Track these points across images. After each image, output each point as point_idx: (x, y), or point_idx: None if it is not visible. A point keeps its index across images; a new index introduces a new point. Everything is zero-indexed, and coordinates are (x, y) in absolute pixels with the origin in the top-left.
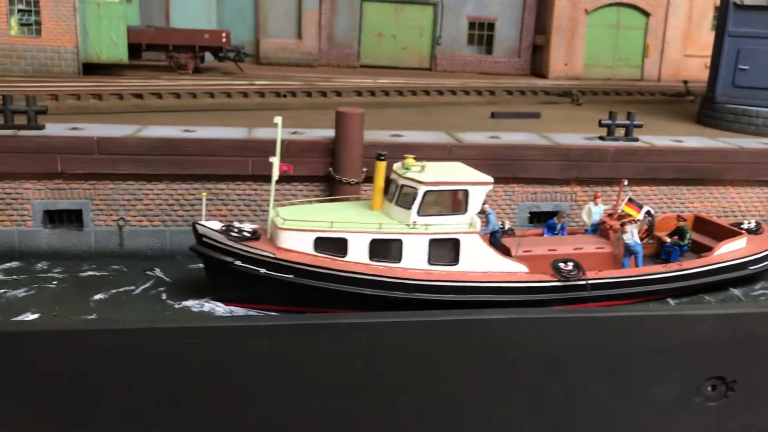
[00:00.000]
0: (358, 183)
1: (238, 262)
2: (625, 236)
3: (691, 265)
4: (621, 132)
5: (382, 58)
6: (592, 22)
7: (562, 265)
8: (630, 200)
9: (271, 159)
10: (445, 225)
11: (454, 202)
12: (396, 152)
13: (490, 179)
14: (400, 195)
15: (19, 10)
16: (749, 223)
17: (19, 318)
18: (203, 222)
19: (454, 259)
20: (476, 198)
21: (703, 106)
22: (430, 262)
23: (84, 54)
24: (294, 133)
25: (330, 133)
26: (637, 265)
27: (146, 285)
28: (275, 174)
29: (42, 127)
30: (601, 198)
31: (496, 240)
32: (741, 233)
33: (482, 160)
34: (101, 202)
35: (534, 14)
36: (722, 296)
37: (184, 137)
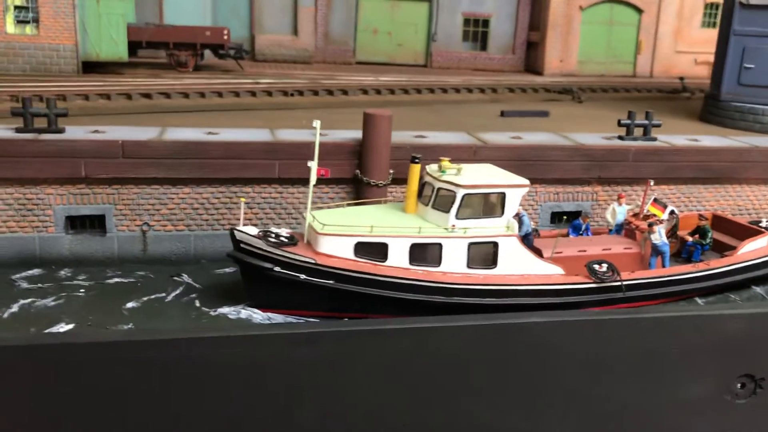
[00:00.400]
0: (386, 185)
1: (277, 268)
2: (653, 236)
3: (719, 264)
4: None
5: (377, 54)
6: (587, 18)
7: (596, 266)
8: (655, 200)
9: (310, 163)
10: (484, 228)
11: (492, 205)
12: (422, 154)
13: (527, 182)
14: (436, 198)
15: (16, 7)
16: (767, 221)
17: (55, 329)
18: (241, 227)
19: (493, 262)
20: (513, 201)
21: (708, 104)
22: (469, 265)
23: (83, 52)
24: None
25: (352, 134)
26: (664, 265)
27: (177, 292)
28: (313, 178)
29: (62, 131)
30: (625, 198)
31: (528, 242)
32: (763, 232)
33: (507, 161)
34: (125, 207)
35: (528, 11)
36: (746, 295)
37: (210, 140)
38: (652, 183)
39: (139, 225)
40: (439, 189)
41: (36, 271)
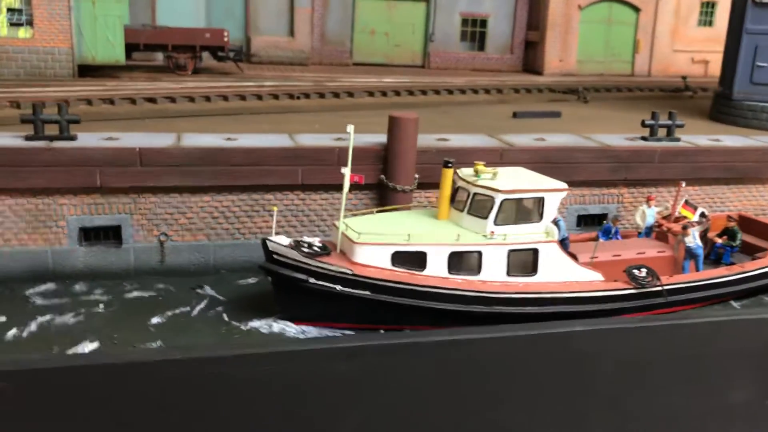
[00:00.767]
0: (412, 190)
1: (312, 280)
2: (687, 239)
3: (753, 266)
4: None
5: (374, 55)
6: (585, 18)
7: (636, 271)
8: (686, 202)
9: (343, 169)
10: (523, 234)
11: (530, 210)
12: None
13: (565, 186)
14: (472, 203)
15: (9, 9)
16: None
17: (79, 348)
18: (273, 237)
19: (533, 270)
20: (551, 205)
21: (718, 102)
22: (509, 273)
23: (79, 55)
24: (338, 139)
25: (372, 138)
26: (698, 269)
27: (201, 305)
28: (347, 185)
29: (74, 138)
30: (654, 200)
31: (565, 246)
32: None
33: (534, 164)
34: (142, 217)
35: (526, 10)
36: None
37: (231, 146)
38: (683, 184)
39: (156, 235)
40: (475, 194)
41: (50, 286)
